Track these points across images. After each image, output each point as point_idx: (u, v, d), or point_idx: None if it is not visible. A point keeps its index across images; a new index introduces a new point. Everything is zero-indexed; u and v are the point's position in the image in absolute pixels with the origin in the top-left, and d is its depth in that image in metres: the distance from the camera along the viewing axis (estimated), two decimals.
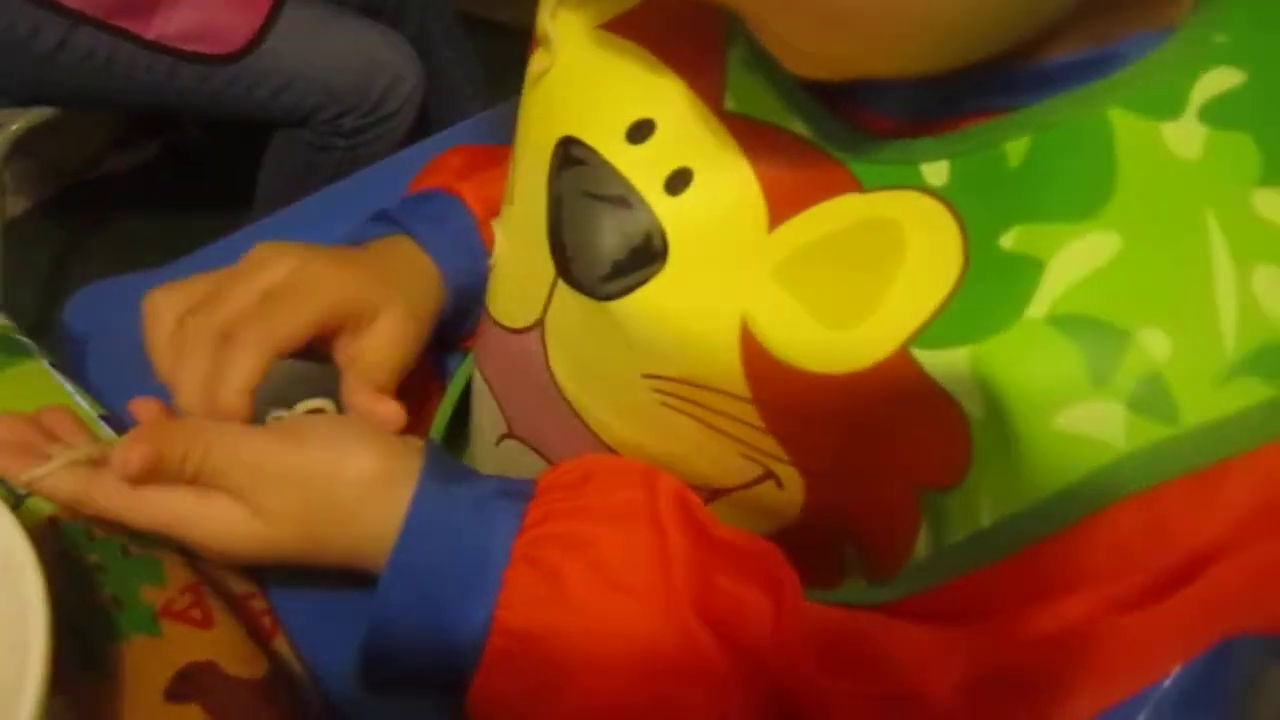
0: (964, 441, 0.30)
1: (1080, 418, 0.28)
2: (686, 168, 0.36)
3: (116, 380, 0.50)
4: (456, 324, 0.51)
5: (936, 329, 0.30)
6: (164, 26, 1.02)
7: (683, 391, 0.36)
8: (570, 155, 0.38)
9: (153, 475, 0.36)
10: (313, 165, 1.16)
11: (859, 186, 0.33)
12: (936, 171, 0.32)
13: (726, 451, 0.37)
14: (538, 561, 0.35)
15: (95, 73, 1.04)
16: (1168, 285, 0.28)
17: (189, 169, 1.57)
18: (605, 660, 0.35)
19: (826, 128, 0.34)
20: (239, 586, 0.41)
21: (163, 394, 0.41)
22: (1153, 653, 0.28)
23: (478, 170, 0.53)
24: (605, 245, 0.36)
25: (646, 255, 0.36)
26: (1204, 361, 0.27)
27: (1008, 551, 0.30)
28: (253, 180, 1.20)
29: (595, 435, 0.41)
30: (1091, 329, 0.28)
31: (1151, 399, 0.27)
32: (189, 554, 0.40)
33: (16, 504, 0.39)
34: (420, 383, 0.54)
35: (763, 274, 0.34)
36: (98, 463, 0.37)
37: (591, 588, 0.35)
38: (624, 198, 0.36)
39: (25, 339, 0.50)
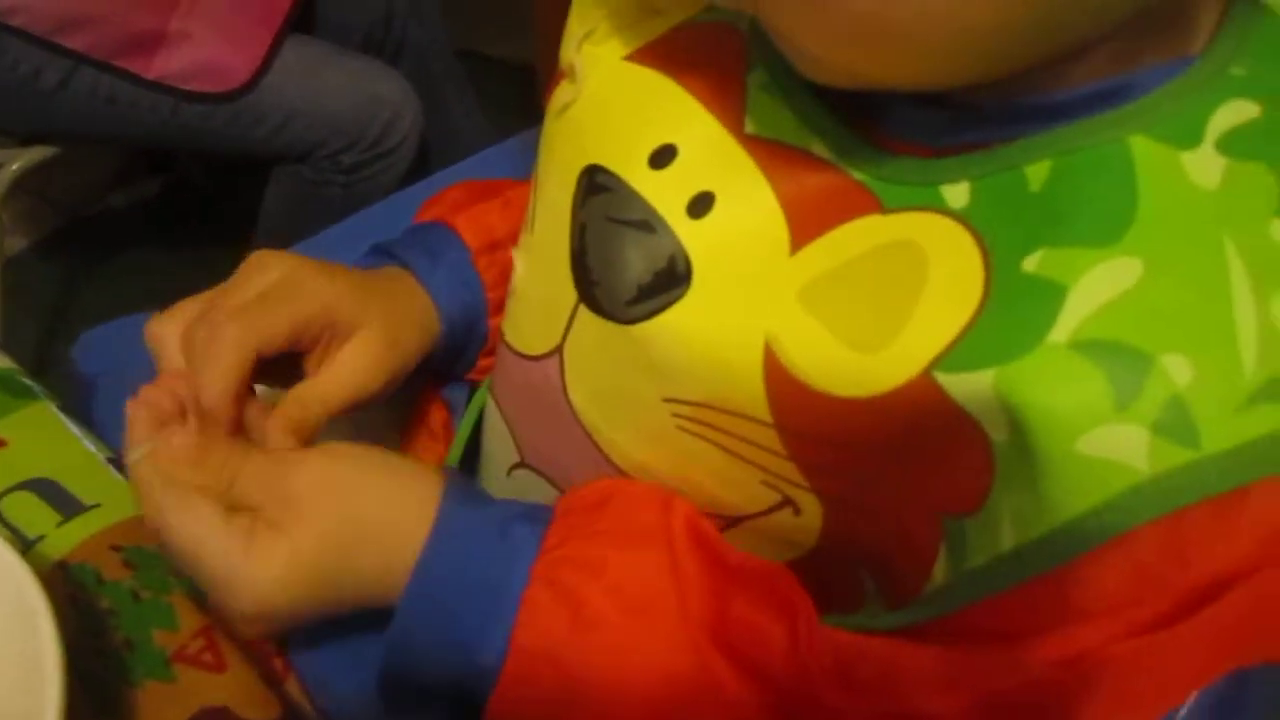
0: (986, 466, 0.30)
1: (1104, 442, 0.28)
2: (708, 191, 0.36)
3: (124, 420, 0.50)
4: (453, 357, 0.51)
5: (960, 352, 0.30)
6: (165, 66, 1.03)
7: (704, 416, 0.37)
8: (595, 183, 0.39)
9: (192, 471, 0.37)
10: (313, 201, 1.17)
11: (880, 206, 0.33)
12: (956, 194, 0.32)
13: (745, 478, 0.37)
14: (556, 584, 0.36)
15: (97, 112, 1.05)
16: (1189, 312, 0.28)
17: (189, 206, 1.58)
18: (622, 684, 0.35)
19: (846, 146, 0.35)
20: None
21: None
22: (1169, 678, 0.29)
23: (475, 202, 0.53)
24: (630, 269, 0.37)
25: (671, 279, 0.36)
26: (1225, 387, 0.27)
27: (1029, 575, 0.30)
28: (253, 217, 1.21)
29: (611, 462, 0.41)
30: (1115, 354, 0.28)
31: (1174, 424, 0.27)
32: (200, 596, 0.39)
33: (25, 549, 0.39)
34: (426, 416, 0.54)
35: (787, 297, 0.34)
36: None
37: (609, 611, 0.35)
38: (647, 222, 0.37)
39: (31, 381, 0.50)
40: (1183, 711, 0.28)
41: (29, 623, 0.32)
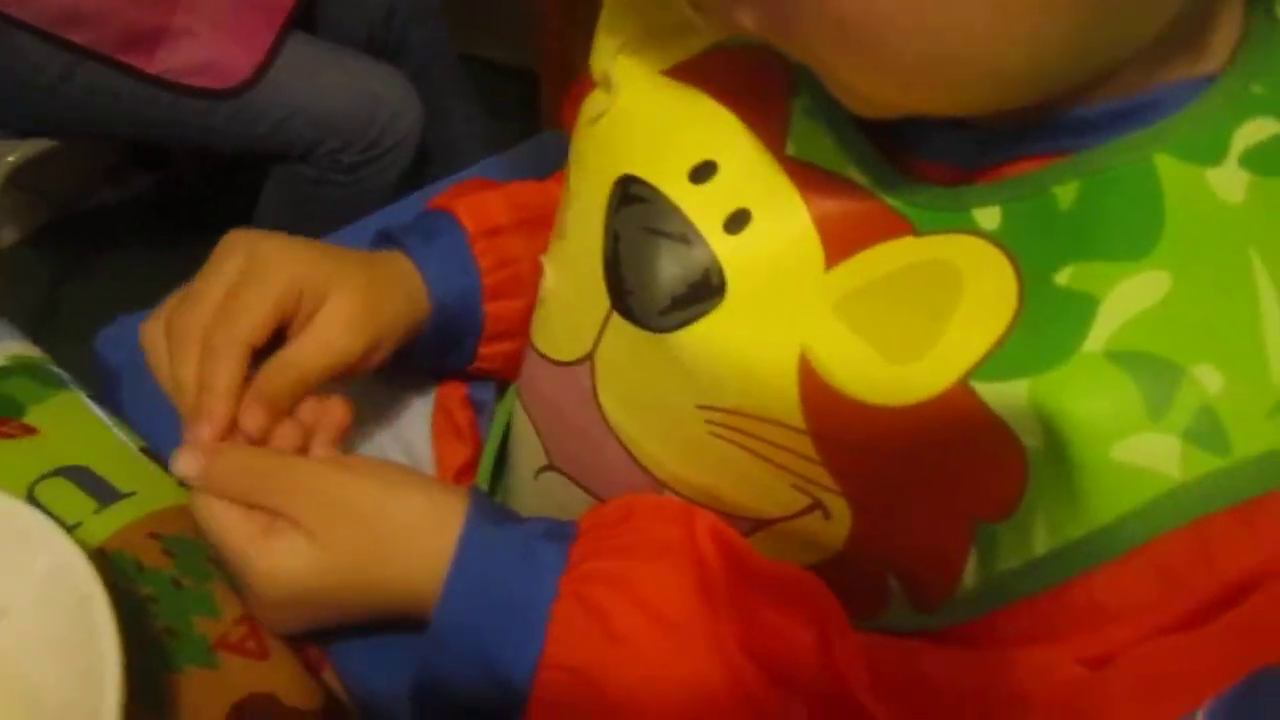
0: (1019, 472, 0.31)
1: (1137, 449, 0.28)
2: (746, 209, 0.37)
3: (150, 412, 0.50)
4: (448, 340, 0.51)
5: (996, 362, 0.31)
6: (167, 61, 1.03)
7: (736, 423, 0.37)
8: (630, 193, 0.39)
9: (214, 487, 0.37)
10: (311, 199, 1.17)
11: (914, 231, 0.34)
12: (988, 216, 0.33)
13: (776, 482, 0.37)
14: (584, 598, 0.36)
15: (97, 106, 1.05)
16: (1217, 322, 0.29)
17: (181, 202, 1.57)
18: (654, 696, 0.35)
19: (883, 175, 0.36)
20: None
21: None
22: (1192, 679, 0.29)
23: (477, 192, 0.54)
24: (664, 279, 0.37)
25: (705, 290, 0.37)
26: (1254, 395, 0.28)
27: (1061, 579, 0.31)
28: (245, 213, 1.20)
29: (641, 466, 0.41)
30: (1146, 364, 0.29)
31: (1205, 431, 0.28)
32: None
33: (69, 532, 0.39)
34: (453, 416, 0.55)
35: (823, 309, 0.35)
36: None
37: (637, 623, 0.36)
38: (684, 235, 0.37)
39: (60, 370, 0.50)
40: (1200, 715, 0.28)
41: (85, 604, 0.32)
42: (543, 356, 0.45)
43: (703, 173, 0.38)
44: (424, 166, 1.22)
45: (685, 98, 0.40)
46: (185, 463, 0.38)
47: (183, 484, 0.40)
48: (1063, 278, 0.31)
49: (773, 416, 0.36)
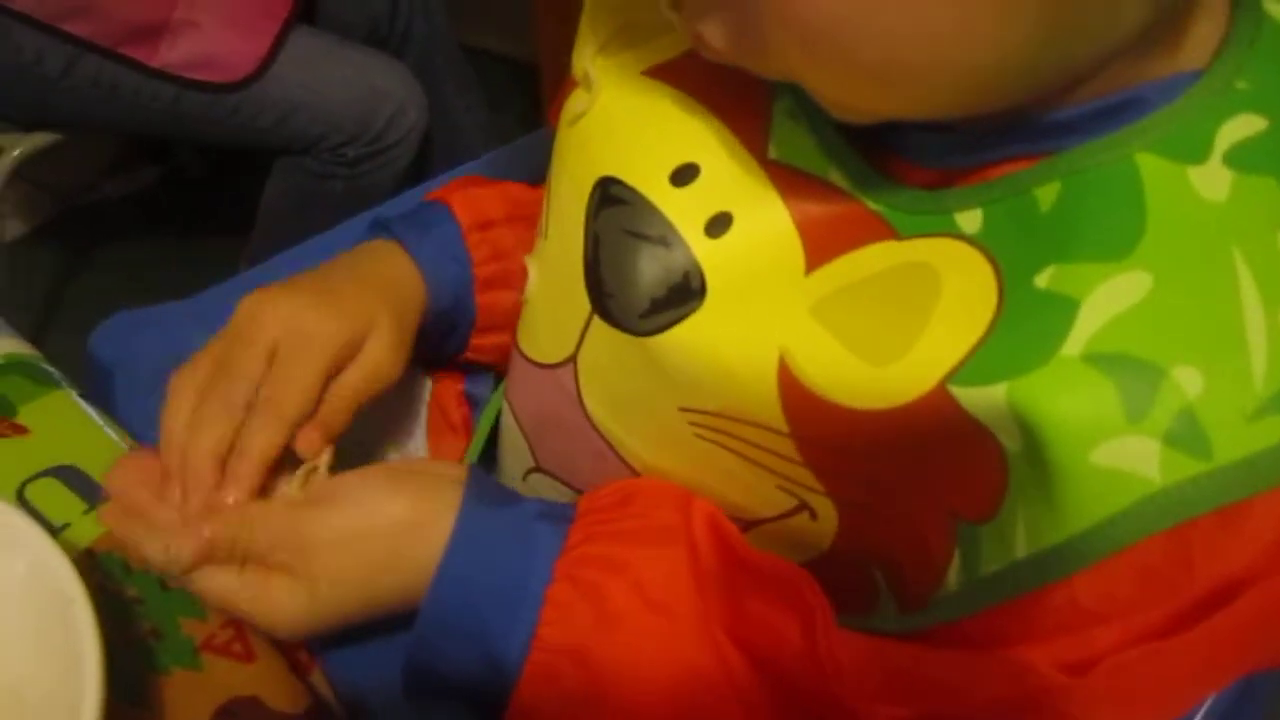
0: (1000, 475, 0.31)
1: (1117, 453, 0.28)
2: (727, 212, 0.37)
3: (144, 410, 0.50)
4: (443, 330, 0.51)
5: (974, 366, 0.31)
6: (169, 54, 1.03)
7: (719, 425, 0.37)
8: (610, 194, 0.39)
9: (207, 561, 0.37)
10: (314, 194, 1.16)
11: (895, 234, 0.34)
12: (970, 219, 0.33)
13: (762, 483, 0.37)
14: (579, 581, 0.36)
15: (99, 99, 1.05)
16: (1199, 323, 0.29)
17: (186, 195, 1.57)
18: (643, 678, 0.35)
19: (864, 179, 0.35)
20: None
21: None
22: (1177, 683, 0.29)
23: (472, 186, 0.53)
24: (644, 282, 0.37)
25: (685, 293, 0.36)
26: (1236, 398, 0.28)
27: (1042, 582, 0.30)
28: (249, 206, 1.21)
29: (628, 466, 0.41)
30: (1126, 366, 0.28)
31: (1186, 435, 0.28)
32: None
33: (53, 535, 0.39)
34: (448, 411, 0.55)
35: (801, 312, 0.35)
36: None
37: (632, 607, 0.36)
38: (665, 237, 0.37)
39: (52, 369, 0.50)
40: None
41: (67, 607, 0.32)
42: (527, 359, 0.45)
43: (684, 175, 0.38)
44: (426, 159, 1.22)
45: (666, 99, 0.39)
46: (182, 551, 0.37)
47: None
48: (1043, 279, 0.30)
49: (754, 419, 0.36)
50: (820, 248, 0.35)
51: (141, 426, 0.49)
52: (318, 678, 0.40)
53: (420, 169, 1.21)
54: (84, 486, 0.43)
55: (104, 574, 0.39)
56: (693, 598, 0.36)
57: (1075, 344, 0.29)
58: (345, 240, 0.57)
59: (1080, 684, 0.30)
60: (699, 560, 0.37)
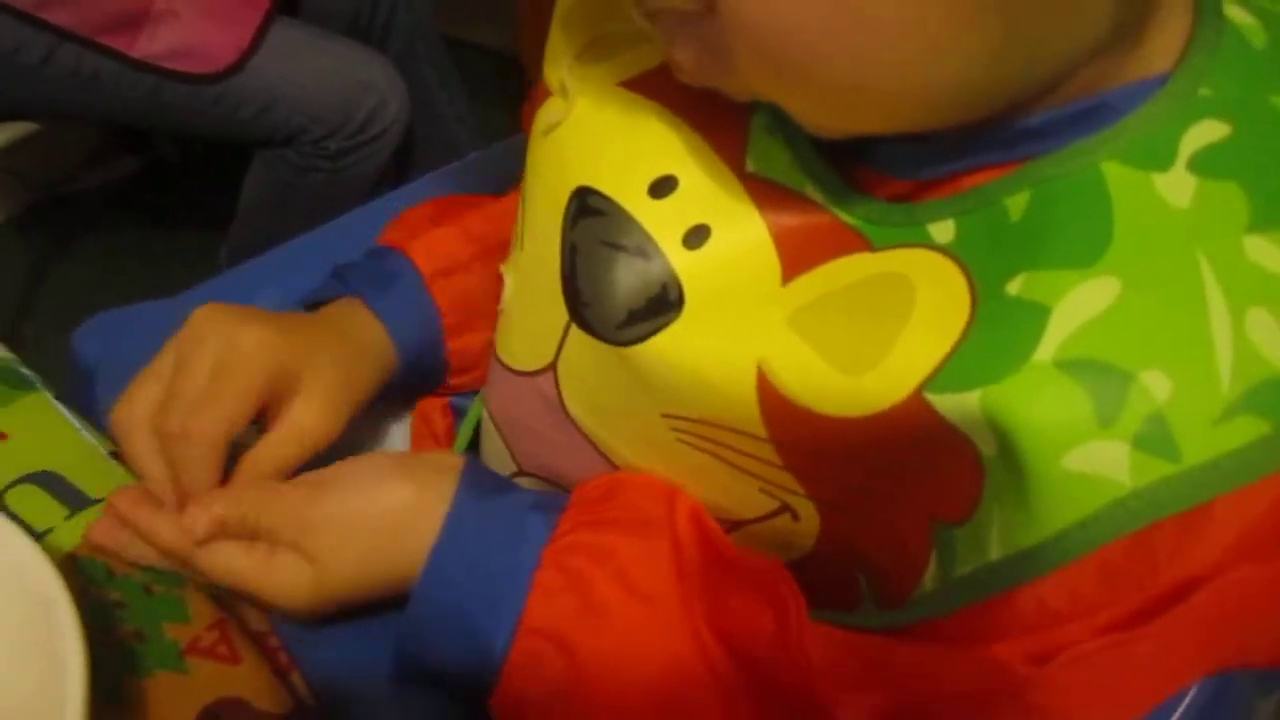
0: (976, 478, 0.32)
1: (1088, 457, 0.29)
2: (705, 224, 0.37)
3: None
4: (415, 381, 0.52)
5: (949, 373, 0.31)
6: (149, 45, 1.02)
7: (701, 431, 0.38)
8: (588, 205, 0.39)
9: (217, 536, 0.38)
10: (295, 186, 1.16)
11: (870, 246, 0.35)
12: (943, 230, 0.34)
13: (744, 486, 0.38)
14: (566, 568, 0.37)
15: (80, 89, 1.04)
16: (1166, 328, 0.29)
17: (165, 186, 1.56)
18: (626, 667, 0.36)
19: (840, 193, 0.36)
20: (257, 623, 0.41)
21: None
22: (1142, 674, 0.30)
23: (433, 227, 0.53)
24: (621, 293, 0.38)
25: (663, 305, 0.37)
26: (1203, 401, 0.28)
27: (1014, 584, 0.31)
28: (228, 198, 1.20)
29: (613, 466, 0.42)
30: (1096, 371, 0.29)
31: (1155, 438, 0.28)
32: (214, 590, 0.40)
33: (36, 540, 0.39)
34: (432, 422, 0.55)
35: (778, 322, 0.35)
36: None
37: (618, 595, 0.37)
38: (642, 248, 0.38)
39: (28, 371, 0.50)
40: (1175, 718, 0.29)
41: (48, 613, 0.32)
42: (506, 367, 0.46)
43: (662, 187, 0.38)
44: (408, 152, 1.22)
45: (643, 110, 0.40)
46: (197, 521, 0.38)
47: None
48: (1014, 287, 0.31)
49: (735, 426, 0.36)
50: (796, 259, 0.36)
51: None
52: (297, 680, 0.41)
53: (402, 162, 1.21)
54: (64, 492, 0.43)
55: (86, 578, 0.39)
56: (675, 588, 0.37)
57: (1047, 350, 0.30)
58: (307, 254, 0.58)
59: (1044, 674, 0.31)
60: (681, 552, 0.38)
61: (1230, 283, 0.29)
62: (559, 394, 0.42)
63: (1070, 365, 0.29)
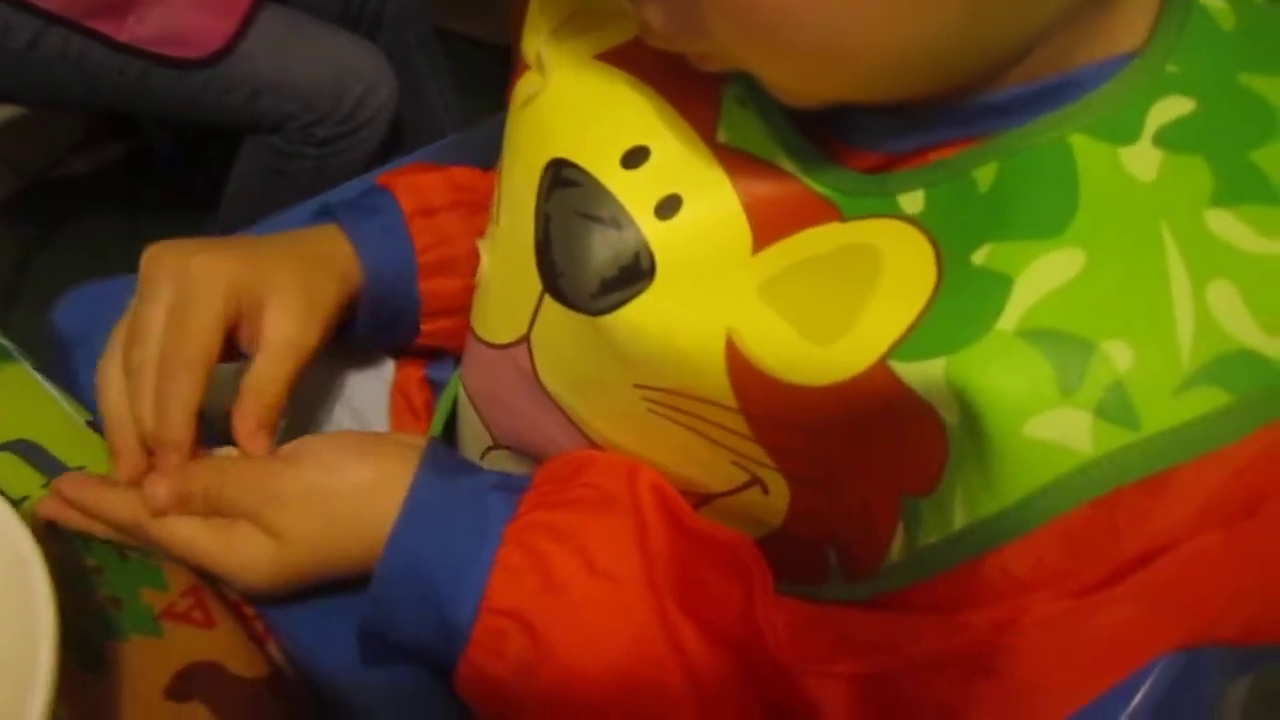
0: (941, 448, 0.32)
1: (1049, 425, 0.29)
2: (677, 194, 0.38)
3: None
4: (387, 316, 0.51)
5: (914, 342, 0.32)
6: (137, 29, 1.02)
7: (673, 401, 0.38)
8: (562, 176, 0.40)
9: (177, 508, 0.38)
10: (283, 173, 1.16)
11: (840, 216, 0.35)
12: (912, 201, 0.34)
13: (716, 458, 0.38)
14: (528, 547, 0.37)
15: (66, 73, 1.03)
16: (1129, 299, 0.30)
17: (152, 171, 1.56)
18: (588, 644, 0.36)
19: (811, 163, 0.36)
20: (232, 592, 0.42)
21: None
22: (1103, 640, 0.30)
23: (415, 174, 0.54)
24: (595, 262, 0.38)
25: (635, 274, 0.37)
26: (1164, 371, 0.29)
27: (978, 552, 0.32)
28: (216, 184, 1.20)
29: (588, 439, 0.42)
30: (1058, 341, 0.29)
31: (1116, 407, 0.29)
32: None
33: (16, 505, 0.39)
34: (409, 396, 0.55)
35: (748, 292, 0.35)
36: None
37: (578, 574, 0.37)
38: (615, 219, 0.38)
39: (7, 342, 0.50)
40: (1137, 699, 0.29)
41: (21, 570, 0.32)
42: (481, 340, 0.46)
43: (635, 158, 0.39)
44: (397, 140, 1.22)
45: (618, 82, 0.40)
46: (158, 490, 0.38)
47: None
48: (979, 257, 0.31)
49: (706, 396, 0.37)
50: (767, 229, 0.36)
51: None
52: (273, 647, 0.41)
53: (391, 150, 1.21)
54: (42, 461, 0.43)
55: (62, 544, 0.39)
56: (638, 565, 0.37)
57: (1010, 319, 0.30)
58: (298, 225, 0.58)
59: (1008, 640, 0.31)
60: (646, 529, 0.38)
61: (1193, 255, 0.29)
62: (533, 366, 0.43)
63: (1033, 334, 0.30)
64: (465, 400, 0.49)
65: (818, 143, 0.36)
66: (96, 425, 0.46)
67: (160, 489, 0.38)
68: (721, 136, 0.38)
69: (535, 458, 0.46)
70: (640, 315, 0.37)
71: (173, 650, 0.37)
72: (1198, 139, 0.31)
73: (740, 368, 0.35)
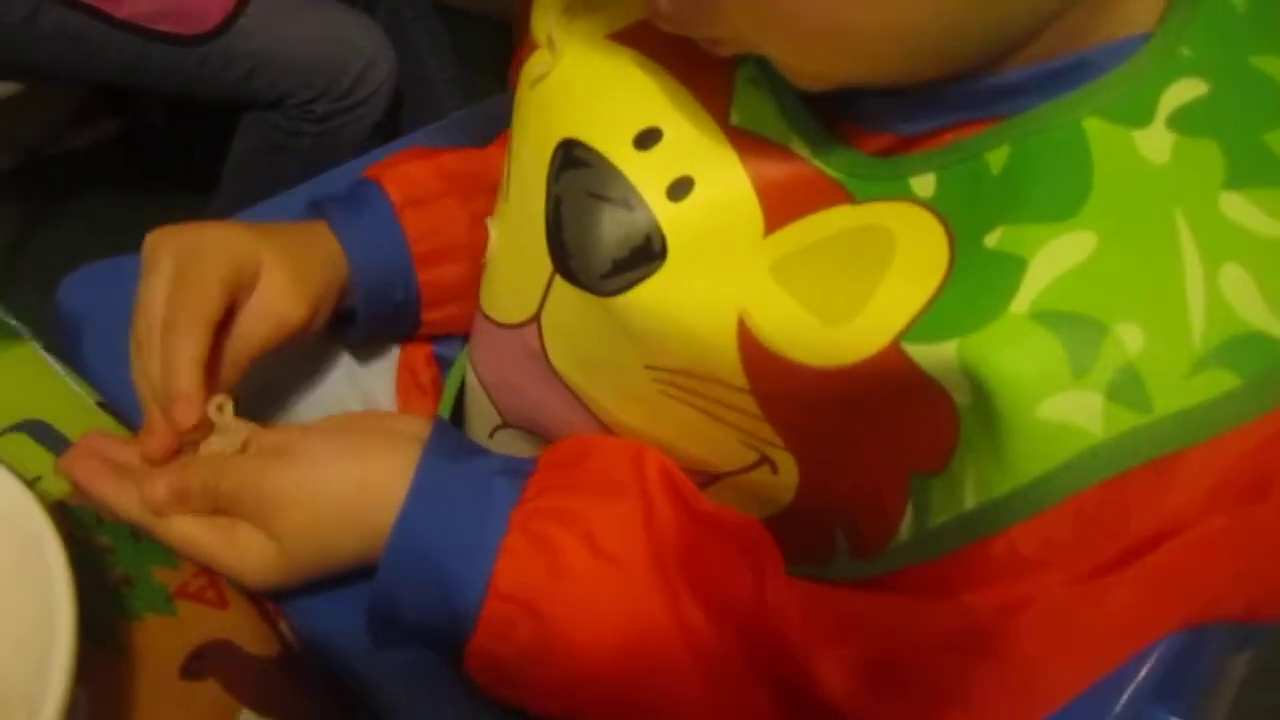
0: (951, 428, 0.32)
1: (1061, 407, 0.29)
2: (688, 176, 0.37)
3: (110, 364, 0.50)
4: (383, 309, 0.51)
5: (926, 323, 0.32)
6: (134, 5, 1.01)
7: (683, 382, 0.38)
8: (573, 157, 0.40)
9: (177, 507, 0.38)
10: (281, 149, 1.15)
11: (851, 199, 0.35)
12: (924, 184, 0.34)
13: (725, 437, 0.39)
14: (533, 533, 0.37)
15: (64, 50, 1.03)
16: (1141, 281, 0.30)
17: (149, 147, 1.55)
18: (595, 628, 0.37)
19: (823, 146, 0.36)
20: None
21: None
22: (1113, 621, 0.31)
23: (403, 164, 0.54)
24: (606, 244, 0.38)
25: (646, 255, 0.37)
26: (1175, 354, 0.29)
27: (988, 532, 0.32)
28: (213, 159, 1.19)
29: (597, 419, 0.42)
30: (1071, 323, 0.30)
31: (1127, 389, 0.29)
32: None
33: (29, 485, 0.39)
34: (416, 373, 0.55)
35: (760, 273, 0.36)
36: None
37: (584, 558, 0.37)
38: (627, 200, 0.38)
39: (15, 322, 0.50)
40: (1141, 674, 0.30)
41: (37, 546, 0.33)
42: (490, 320, 0.46)
43: (647, 139, 0.39)
44: (396, 116, 1.21)
45: (630, 63, 0.40)
46: (156, 489, 0.38)
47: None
48: (992, 239, 0.31)
49: (716, 376, 0.37)
50: (779, 211, 0.36)
51: (109, 379, 0.49)
52: (284, 626, 0.41)
53: (390, 126, 1.20)
54: (52, 441, 0.43)
55: (74, 524, 0.40)
56: (645, 549, 0.37)
57: (1023, 301, 0.30)
58: (297, 206, 0.58)
59: (1015, 623, 0.31)
60: (653, 512, 0.38)
61: (1205, 238, 0.30)
62: (543, 346, 0.43)
63: (1045, 317, 0.30)
64: (473, 380, 0.49)
65: (830, 125, 0.36)
66: (105, 405, 0.46)
67: (158, 488, 0.38)
68: (734, 118, 0.38)
69: (544, 437, 0.46)
70: (651, 296, 0.37)
71: (187, 629, 0.37)
72: (1211, 122, 0.31)
73: (751, 348, 0.35)
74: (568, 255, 0.39)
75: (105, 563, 0.39)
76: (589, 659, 0.37)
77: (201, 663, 0.36)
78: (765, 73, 0.37)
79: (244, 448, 0.41)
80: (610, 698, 0.37)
